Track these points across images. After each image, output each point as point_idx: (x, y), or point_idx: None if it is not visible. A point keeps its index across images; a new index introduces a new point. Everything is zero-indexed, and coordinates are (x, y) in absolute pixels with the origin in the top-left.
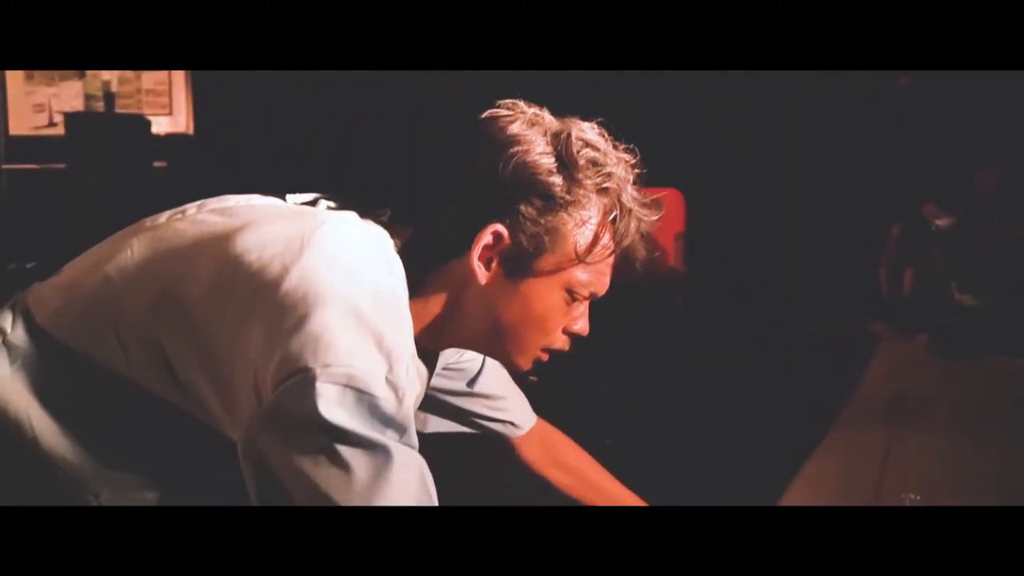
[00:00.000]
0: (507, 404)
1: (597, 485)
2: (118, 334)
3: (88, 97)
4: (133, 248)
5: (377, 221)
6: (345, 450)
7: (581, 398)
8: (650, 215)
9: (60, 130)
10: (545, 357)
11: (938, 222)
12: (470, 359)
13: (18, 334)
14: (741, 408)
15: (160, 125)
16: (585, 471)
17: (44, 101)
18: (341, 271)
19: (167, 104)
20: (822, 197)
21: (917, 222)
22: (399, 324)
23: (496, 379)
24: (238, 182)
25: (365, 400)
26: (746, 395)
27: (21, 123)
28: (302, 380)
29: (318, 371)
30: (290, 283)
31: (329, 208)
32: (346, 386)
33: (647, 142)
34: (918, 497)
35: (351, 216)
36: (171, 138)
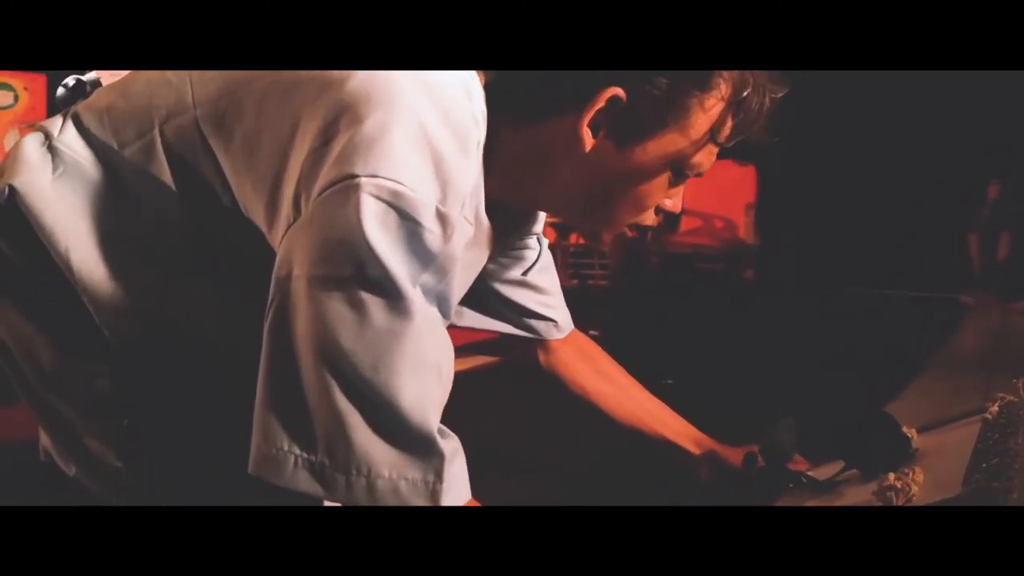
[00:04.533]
0: (554, 301)
1: (637, 397)
2: (162, 130)
3: None
4: None
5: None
6: (365, 292)
7: (652, 365)
8: (778, 91)
9: None
10: (630, 232)
11: None
12: (528, 248)
13: (65, 138)
14: (813, 376)
15: None
16: (624, 381)
17: None
18: (414, 79)
19: None
20: (899, 163)
21: (1016, 181)
22: (465, 154)
23: (548, 274)
24: None
25: (408, 227)
26: (817, 363)
27: None
28: (345, 187)
29: (364, 180)
30: (356, 80)
31: None
32: (391, 204)
33: None
34: None
35: None
36: None
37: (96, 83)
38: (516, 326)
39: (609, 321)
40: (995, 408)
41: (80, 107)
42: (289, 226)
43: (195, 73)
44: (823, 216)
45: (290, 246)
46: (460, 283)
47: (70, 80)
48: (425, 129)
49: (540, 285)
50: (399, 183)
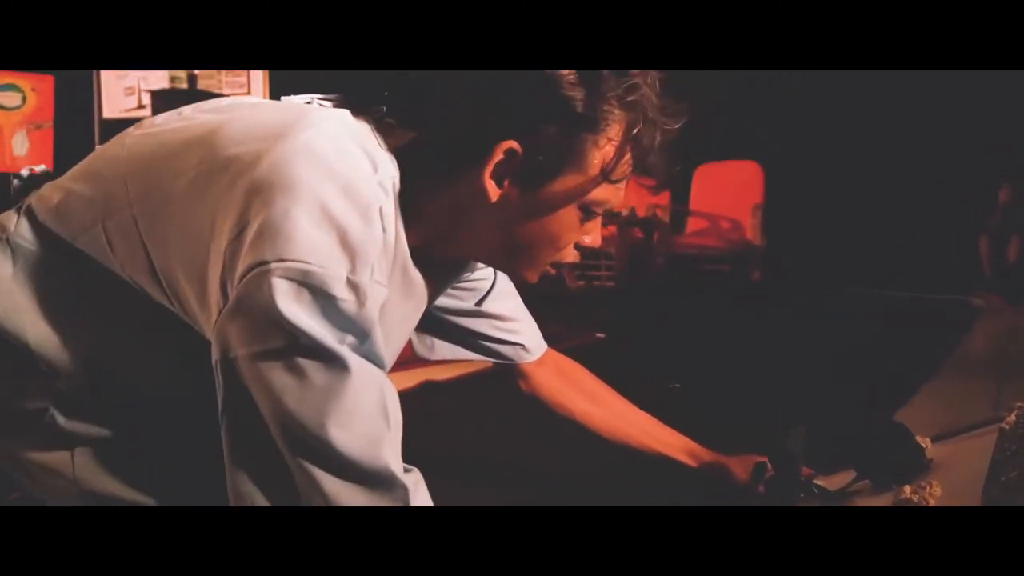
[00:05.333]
0: (517, 326)
1: (624, 413)
2: (104, 227)
3: (173, 78)
4: (125, 145)
5: (372, 120)
6: (301, 358)
7: (655, 370)
8: (673, 123)
9: (149, 112)
10: (553, 271)
11: None
12: (480, 278)
13: (21, 232)
14: (821, 379)
15: None
16: (610, 399)
17: (133, 84)
18: (313, 162)
19: (245, 84)
20: (908, 165)
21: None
22: (369, 223)
23: (506, 300)
24: None
25: (321, 300)
26: (825, 366)
27: (113, 106)
28: (259, 274)
29: (273, 266)
30: (260, 172)
31: (322, 106)
32: (302, 283)
33: (726, 114)
34: None
35: (341, 113)
36: None
37: (47, 174)
38: (484, 353)
39: (615, 324)
40: (1012, 418)
41: (33, 201)
42: (220, 311)
43: (132, 170)
44: (831, 217)
45: (223, 330)
46: (397, 337)
47: (24, 171)
48: (326, 207)
49: (498, 312)
50: (306, 262)
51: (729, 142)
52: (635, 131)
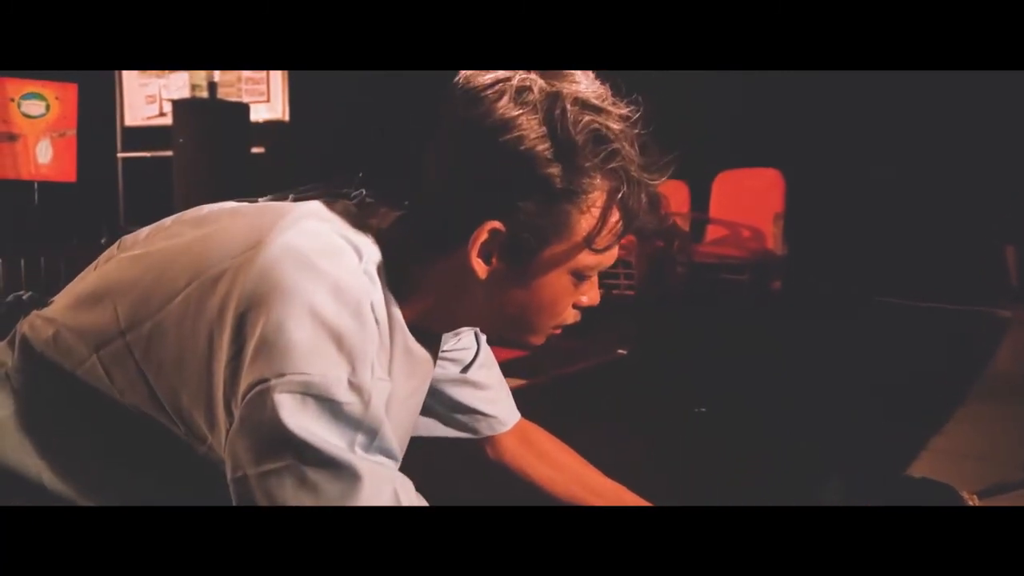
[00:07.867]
0: (496, 396)
1: (586, 479)
2: (99, 356)
3: (193, 86)
4: (110, 270)
5: (349, 203)
6: (311, 471)
7: (678, 379)
8: (657, 179)
9: (170, 120)
10: (558, 331)
11: None
12: (465, 347)
13: (21, 366)
14: (846, 398)
15: (258, 112)
16: (572, 464)
17: (155, 92)
18: (297, 266)
19: (264, 92)
20: (933, 172)
21: None
22: (363, 321)
23: (490, 369)
24: (331, 166)
25: (327, 407)
26: (852, 383)
27: (135, 114)
28: (260, 392)
29: (273, 382)
30: (248, 286)
31: (297, 199)
32: (305, 394)
33: (747, 120)
34: None
35: (314, 205)
36: (268, 125)
37: (33, 299)
38: (459, 428)
39: (636, 338)
40: None
41: (26, 332)
42: (228, 430)
43: (120, 296)
44: (853, 226)
45: (233, 449)
46: (406, 418)
47: (10, 297)
48: (318, 313)
49: (481, 381)
50: (306, 373)
51: (750, 149)
52: (620, 195)
